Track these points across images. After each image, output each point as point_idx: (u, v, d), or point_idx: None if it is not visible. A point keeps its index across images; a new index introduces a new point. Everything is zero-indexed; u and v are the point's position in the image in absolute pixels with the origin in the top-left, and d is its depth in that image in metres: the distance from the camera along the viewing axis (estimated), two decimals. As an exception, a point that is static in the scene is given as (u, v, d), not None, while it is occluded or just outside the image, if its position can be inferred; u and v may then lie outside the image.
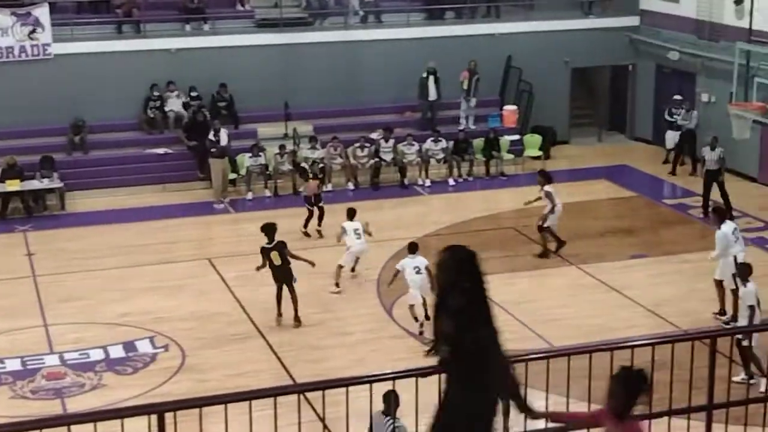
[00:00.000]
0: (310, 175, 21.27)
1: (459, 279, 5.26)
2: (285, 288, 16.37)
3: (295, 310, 16.42)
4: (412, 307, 16.08)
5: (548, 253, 19.39)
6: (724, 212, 17.46)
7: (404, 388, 6.60)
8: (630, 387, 6.06)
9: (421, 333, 15.69)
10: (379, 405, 8.99)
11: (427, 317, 15.44)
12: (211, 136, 22.85)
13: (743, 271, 14.64)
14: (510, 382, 5.46)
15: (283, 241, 16.49)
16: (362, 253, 18.29)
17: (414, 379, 6.25)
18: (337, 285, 17.81)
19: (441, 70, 25.07)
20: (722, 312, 16.35)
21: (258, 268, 16.46)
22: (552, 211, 19.34)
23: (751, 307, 14.11)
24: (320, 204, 20.62)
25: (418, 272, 16.15)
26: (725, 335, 12.86)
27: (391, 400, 9.34)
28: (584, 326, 15.97)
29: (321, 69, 25.29)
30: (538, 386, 7.70)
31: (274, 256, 16.26)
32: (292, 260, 16.41)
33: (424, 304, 15.72)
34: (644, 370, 6.09)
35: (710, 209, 18.22)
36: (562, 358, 6.99)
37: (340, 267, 17.90)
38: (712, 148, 21.27)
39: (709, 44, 25.00)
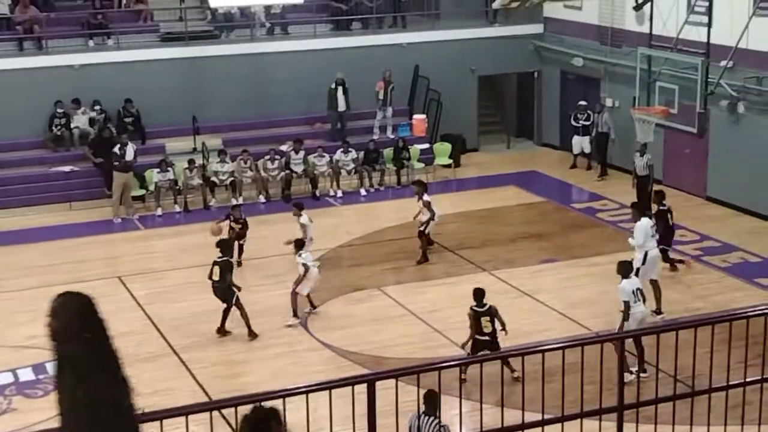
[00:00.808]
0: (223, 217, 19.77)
1: (77, 328, 4.70)
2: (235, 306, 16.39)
3: (247, 326, 16.41)
4: (307, 295, 17.15)
5: (426, 257, 19.69)
6: (642, 207, 18.07)
7: (319, 403, 6.59)
8: (257, 428, 5.62)
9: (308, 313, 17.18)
10: (295, 419, 8.95)
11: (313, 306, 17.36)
12: (116, 150, 22.54)
13: (624, 268, 14.93)
14: None
15: (229, 262, 16.59)
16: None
17: (328, 391, 6.27)
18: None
19: (349, 80, 25.10)
20: (659, 311, 16.64)
21: (209, 276, 16.54)
22: (432, 218, 19.65)
23: (625, 303, 14.47)
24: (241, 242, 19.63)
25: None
26: (634, 335, 13.19)
27: (435, 399, 9.34)
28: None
29: (229, 82, 25.14)
30: (452, 393, 7.77)
31: (215, 270, 16.34)
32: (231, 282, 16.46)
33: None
34: (275, 408, 5.72)
35: (630, 204, 18.56)
36: (475, 365, 7.05)
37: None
38: (642, 155, 21.59)
39: (612, 50, 25.49)
